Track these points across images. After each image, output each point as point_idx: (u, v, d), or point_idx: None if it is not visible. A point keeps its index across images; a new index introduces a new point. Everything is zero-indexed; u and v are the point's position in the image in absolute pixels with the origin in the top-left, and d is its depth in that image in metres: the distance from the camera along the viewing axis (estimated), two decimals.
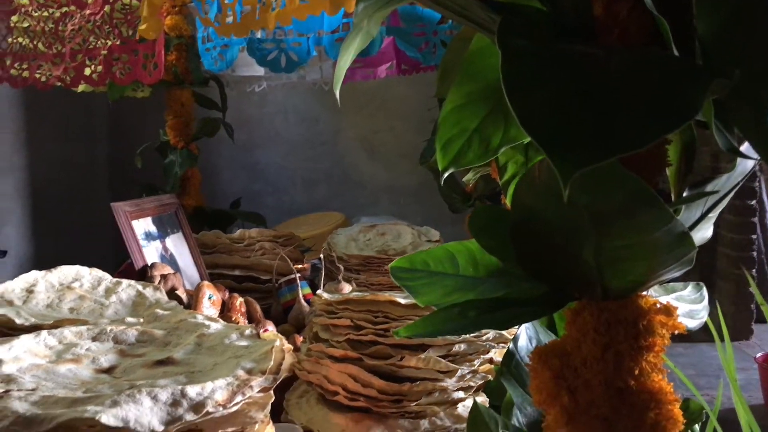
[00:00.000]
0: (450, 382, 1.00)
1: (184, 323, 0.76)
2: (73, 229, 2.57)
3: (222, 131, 2.18)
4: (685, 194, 0.50)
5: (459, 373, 0.99)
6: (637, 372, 0.50)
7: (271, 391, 0.65)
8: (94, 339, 0.73)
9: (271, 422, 0.67)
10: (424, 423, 1.00)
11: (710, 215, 0.54)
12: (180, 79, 1.97)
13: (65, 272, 1.24)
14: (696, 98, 0.32)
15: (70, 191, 2.64)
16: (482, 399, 1.05)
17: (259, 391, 0.60)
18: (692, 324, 0.57)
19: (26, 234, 2.52)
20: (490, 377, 1.05)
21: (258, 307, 1.40)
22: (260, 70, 2.03)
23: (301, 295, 1.54)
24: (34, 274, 1.19)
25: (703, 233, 0.56)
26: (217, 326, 0.75)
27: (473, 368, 1.01)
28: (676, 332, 0.52)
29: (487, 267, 0.62)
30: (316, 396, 1.09)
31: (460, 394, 1.03)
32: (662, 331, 0.50)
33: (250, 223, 2.08)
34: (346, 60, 0.55)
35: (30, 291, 1.16)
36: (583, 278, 0.50)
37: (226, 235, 1.73)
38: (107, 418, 0.50)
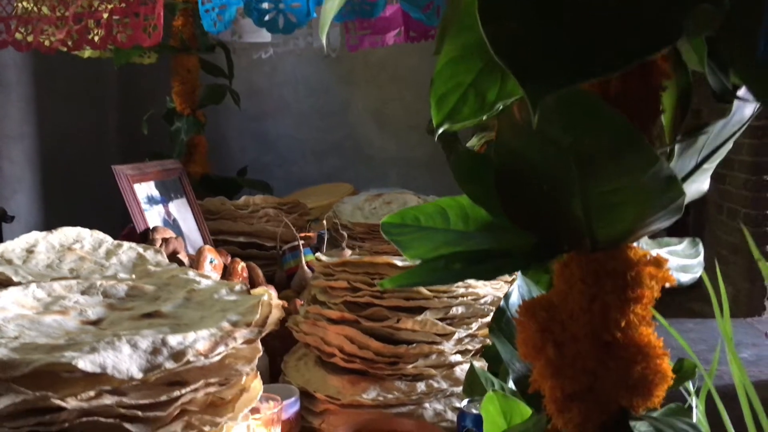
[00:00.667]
0: (447, 345, 1.00)
1: (175, 279, 0.76)
2: (82, 196, 2.58)
3: (230, 101, 2.17)
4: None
5: (456, 336, 0.98)
6: (624, 324, 0.49)
7: (259, 345, 0.65)
8: (83, 293, 0.72)
9: (258, 376, 0.67)
10: (421, 385, 1.00)
11: (705, 166, 0.52)
12: (186, 45, 1.96)
13: (66, 233, 1.24)
14: (676, 21, 0.30)
15: (79, 159, 2.65)
16: (481, 364, 1.04)
17: (243, 343, 0.60)
18: (685, 278, 0.56)
19: (36, 201, 2.54)
20: (489, 341, 1.04)
21: (260, 272, 1.40)
22: (267, 37, 2.01)
23: (304, 262, 1.53)
24: (34, 235, 1.19)
25: (699, 186, 0.54)
26: (207, 282, 0.75)
27: (471, 331, 1.00)
28: (667, 285, 0.50)
29: (477, 221, 0.61)
30: (313, 359, 1.08)
31: (458, 357, 1.02)
32: (651, 283, 0.49)
33: (257, 191, 2.08)
34: (331, 5, 0.53)
35: (30, 251, 1.16)
36: (571, 228, 0.49)
37: (230, 202, 1.73)
38: (84, 363, 0.49)
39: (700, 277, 0.60)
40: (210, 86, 2.06)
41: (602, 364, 0.50)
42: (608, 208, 0.45)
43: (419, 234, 0.62)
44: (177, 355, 0.54)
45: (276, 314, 0.63)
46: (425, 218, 0.63)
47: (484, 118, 0.65)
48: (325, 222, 1.64)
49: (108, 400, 0.52)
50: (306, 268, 1.52)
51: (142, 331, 0.58)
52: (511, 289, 0.67)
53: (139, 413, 0.53)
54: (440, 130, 0.61)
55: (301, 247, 1.57)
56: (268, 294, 0.67)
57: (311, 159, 3.19)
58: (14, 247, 1.16)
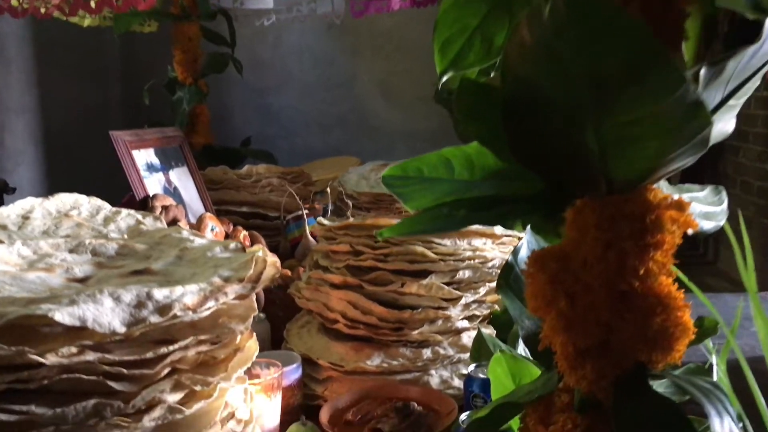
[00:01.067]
0: (454, 311, 0.96)
1: (168, 238, 0.72)
2: (84, 168, 2.55)
3: (233, 73, 2.13)
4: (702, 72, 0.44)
5: (463, 301, 0.95)
6: (642, 272, 0.45)
7: (254, 303, 0.61)
8: (71, 251, 0.69)
9: (254, 336, 0.64)
10: (427, 352, 0.96)
11: (731, 102, 0.48)
12: (187, 13, 1.91)
13: (63, 200, 1.21)
14: None
15: (81, 131, 2.62)
16: (488, 330, 1.01)
17: (236, 299, 0.56)
18: (708, 225, 0.52)
19: (38, 173, 2.51)
20: (497, 307, 1.01)
21: (263, 241, 1.37)
22: (269, 3, 1.96)
23: (308, 231, 1.50)
24: (30, 201, 1.16)
25: (724, 125, 0.50)
26: (201, 241, 0.71)
27: (478, 296, 0.96)
28: (689, 231, 0.46)
29: (483, 169, 0.57)
30: (316, 326, 1.05)
31: (465, 323, 0.98)
32: (672, 227, 0.45)
33: (260, 162, 2.04)
34: None
35: (26, 218, 1.13)
36: (585, 168, 0.45)
37: (233, 171, 1.69)
38: (62, 315, 0.46)
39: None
40: (212, 54, 2.02)
41: (618, 316, 0.46)
42: (626, 141, 0.41)
43: (422, 185, 0.58)
44: (163, 308, 0.50)
45: (270, 271, 0.60)
46: (428, 169, 0.60)
47: (491, 75, 0.61)
48: (329, 191, 1.60)
49: (90, 356, 0.49)
50: (310, 237, 1.49)
51: (129, 286, 0.54)
52: (520, 245, 0.64)
53: (124, 371, 0.50)
54: (444, 78, 0.58)
55: (305, 217, 1.54)
56: (263, 250, 0.63)
57: (316, 131, 3.14)
58: (9, 213, 1.12)
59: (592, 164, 0.44)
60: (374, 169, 1.88)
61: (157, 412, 0.52)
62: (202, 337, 0.54)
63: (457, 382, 0.97)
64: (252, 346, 0.62)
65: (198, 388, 0.54)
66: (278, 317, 1.19)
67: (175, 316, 0.51)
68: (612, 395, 0.48)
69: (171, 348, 0.52)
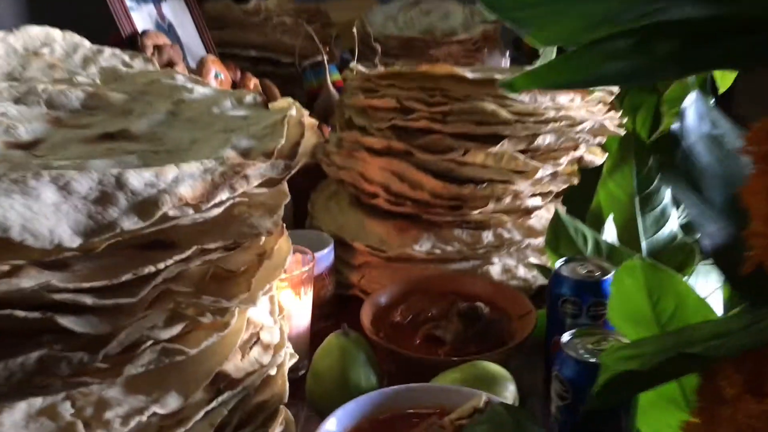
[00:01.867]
0: (524, 186, 0.76)
1: (156, 85, 0.51)
2: (69, 7, 2.25)
3: None
4: None
5: (539, 174, 0.75)
6: None
7: (285, 188, 0.41)
8: (17, 101, 0.48)
9: (286, 233, 0.44)
10: (488, 236, 0.78)
11: None
12: None
13: (32, 34, 0.97)
14: None
15: None
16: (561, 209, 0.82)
17: (260, 186, 0.36)
18: None
19: (20, 12, 2.22)
20: (575, 180, 0.81)
21: (277, 92, 1.14)
22: None
23: (329, 81, 1.27)
24: None
25: None
26: (203, 90, 0.50)
27: (559, 168, 0.76)
28: None
29: None
30: (348, 198, 0.86)
31: (536, 201, 0.79)
32: None
33: None
34: None
35: None
36: None
37: (238, 6, 1.43)
38: None
39: None
40: None
41: None
42: None
43: (552, 7, 0.36)
44: (145, 205, 0.30)
45: (311, 139, 0.39)
46: None
47: None
48: (355, 31, 1.34)
49: (28, 280, 0.30)
50: (332, 88, 1.26)
51: (91, 161, 0.34)
52: (683, 108, 0.42)
53: (87, 301, 0.31)
54: None
55: (326, 63, 1.30)
56: (297, 108, 0.42)
57: None
58: None
59: None
60: (403, 8, 1.61)
61: (147, 357, 0.34)
62: (211, 245, 0.35)
63: (522, 272, 0.79)
64: (283, 247, 0.43)
65: (206, 319, 0.35)
66: (300, 184, 0.98)
67: (165, 218, 0.31)
68: None
69: (162, 264, 0.32)
